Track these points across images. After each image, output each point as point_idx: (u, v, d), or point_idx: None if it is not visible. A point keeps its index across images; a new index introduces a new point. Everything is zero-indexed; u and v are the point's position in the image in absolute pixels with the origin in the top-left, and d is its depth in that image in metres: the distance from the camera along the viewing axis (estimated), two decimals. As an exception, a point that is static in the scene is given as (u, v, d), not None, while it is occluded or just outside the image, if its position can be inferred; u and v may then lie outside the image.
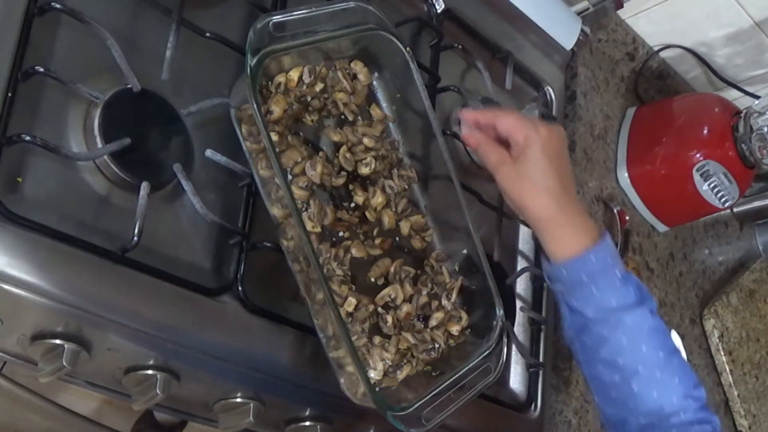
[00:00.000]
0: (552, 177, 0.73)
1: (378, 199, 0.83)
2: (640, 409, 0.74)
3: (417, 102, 0.86)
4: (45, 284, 0.63)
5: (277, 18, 0.74)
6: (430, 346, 0.82)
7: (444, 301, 0.86)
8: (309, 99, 0.80)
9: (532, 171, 0.74)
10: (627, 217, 1.26)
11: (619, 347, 0.74)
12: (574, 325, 0.77)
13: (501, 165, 0.76)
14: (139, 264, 0.68)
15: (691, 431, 0.72)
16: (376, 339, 0.79)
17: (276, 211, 0.74)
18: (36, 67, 0.64)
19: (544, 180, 0.73)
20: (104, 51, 0.68)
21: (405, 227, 0.86)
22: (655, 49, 1.35)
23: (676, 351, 0.76)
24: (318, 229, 0.75)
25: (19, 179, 0.64)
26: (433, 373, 0.82)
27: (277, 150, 0.74)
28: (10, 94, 0.62)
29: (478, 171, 1.03)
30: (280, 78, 0.77)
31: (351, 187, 0.83)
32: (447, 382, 0.78)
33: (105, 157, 0.67)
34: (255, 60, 0.71)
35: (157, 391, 0.71)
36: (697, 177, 1.23)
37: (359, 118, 0.85)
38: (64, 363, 0.66)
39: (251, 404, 0.77)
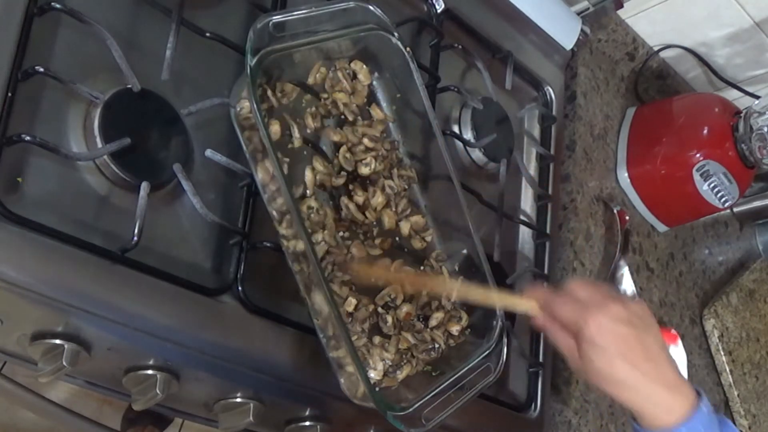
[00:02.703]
0: (618, 363, 0.70)
1: (378, 199, 0.83)
2: None
3: (417, 102, 0.86)
4: (45, 284, 0.63)
5: (277, 18, 0.74)
6: (430, 346, 0.82)
7: (444, 301, 0.86)
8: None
9: (595, 365, 0.71)
10: (627, 217, 1.26)
11: None
12: None
13: (570, 356, 0.75)
14: (139, 264, 0.68)
15: None
16: (376, 339, 0.79)
17: (275, 210, 0.74)
18: (36, 67, 0.64)
19: (611, 371, 0.71)
20: (104, 51, 0.68)
21: (405, 227, 0.86)
22: (655, 49, 1.35)
23: None
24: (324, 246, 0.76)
25: (19, 179, 0.64)
26: (433, 373, 0.82)
27: (277, 151, 0.74)
28: (10, 94, 0.62)
29: (478, 171, 1.03)
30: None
31: (351, 187, 0.83)
32: (447, 382, 0.78)
33: (105, 157, 0.67)
34: (255, 60, 0.71)
35: (157, 391, 0.71)
36: (697, 177, 1.23)
37: (359, 118, 0.85)
38: (64, 363, 0.66)
39: (251, 404, 0.77)
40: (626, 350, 0.70)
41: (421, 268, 0.87)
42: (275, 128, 0.76)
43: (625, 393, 0.72)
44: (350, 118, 0.84)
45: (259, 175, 0.75)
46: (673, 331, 0.78)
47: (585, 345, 0.71)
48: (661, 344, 0.73)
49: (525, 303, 0.78)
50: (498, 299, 0.81)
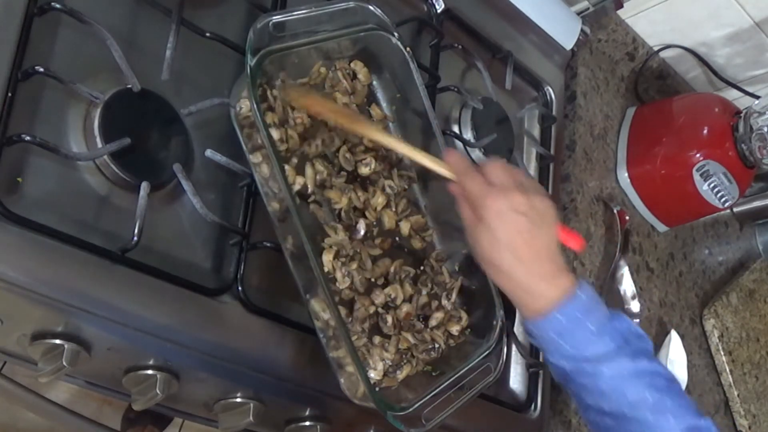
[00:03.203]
0: (502, 250, 0.73)
1: (378, 199, 0.83)
2: None
3: (417, 102, 0.86)
4: (45, 284, 0.63)
5: (276, 18, 0.74)
6: (430, 346, 0.82)
7: (444, 301, 0.86)
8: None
9: (483, 244, 0.74)
10: (627, 217, 1.26)
11: (601, 395, 0.75)
12: (557, 375, 0.78)
13: (467, 228, 0.76)
14: (139, 264, 0.68)
15: None
16: (376, 339, 0.79)
17: (275, 208, 0.74)
18: (36, 67, 0.64)
19: (495, 255, 0.73)
20: (104, 51, 0.68)
21: (405, 227, 0.86)
22: (655, 49, 1.35)
23: (671, 388, 0.76)
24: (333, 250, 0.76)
25: (19, 179, 0.64)
26: (433, 373, 0.82)
27: (277, 150, 0.74)
28: (10, 94, 0.62)
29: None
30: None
31: (351, 187, 0.82)
32: (447, 382, 0.78)
33: (105, 157, 0.67)
34: (255, 60, 0.71)
35: (157, 391, 0.71)
36: (697, 177, 1.23)
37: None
38: (64, 363, 0.66)
39: (251, 404, 0.77)
40: (514, 241, 0.72)
41: (421, 268, 0.87)
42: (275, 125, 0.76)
43: (504, 281, 0.75)
44: (350, 118, 0.84)
45: (259, 174, 0.75)
46: (577, 234, 0.79)
47: (480, 226, 0.73)
48: (552, 242, 0.75)
49: (443, 169, 0.78)
50: (419, 157, 0.79)
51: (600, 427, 0.77)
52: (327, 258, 0.76)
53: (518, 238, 0.72)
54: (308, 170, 0.78)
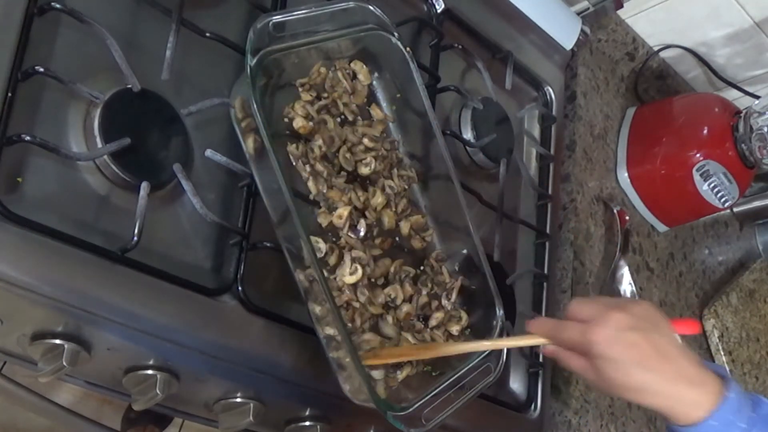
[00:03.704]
0: (632, 370, 0.70)
1: (378, 199, 0.83)
2: None
3: (417, 102, 0.86)
4: (45, 284, 0.63)
5: (276, 18, 0.74)
6: (430, 347, 0.82)
7: (444, 301, 0.86)
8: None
9: (611, 378, 0.71)
10: (627, 217, 1.26)
11: None
12: None
13: (586, 375, 0.74)
14: (139, 264, 0.68)
15: None
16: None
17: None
18: (36, 67, 0.64)
19: (628, 380, 0.71)
20: (104, 51, 0.68)
21: (405, 227, 0.86)
22: (655, 49, 1.35)
23: None
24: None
25: (19, 179, 0.64)
26: (433, 373, 0.82)
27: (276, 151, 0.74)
28: (10, 94, 0.62)
29: (478, 171, 1.03)
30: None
31: (351, 187, 0.82)
32: (447, 382, 0.78)
33: (105, 157, 0.67)
34: (255, 60, 0.71)
35: (157, 391, 0.71)
36: (697, 177, 1.23)
37: (359, 118, 0.85)
38: (64, 363, 0.66)
39: (251, 404, 0.77)
40: (639, 356, 0.70)
41: (421, 267, 0.87)
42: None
43: (648, 398, 0.71)
44: (350, 118, 0.84)
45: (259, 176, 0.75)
46: (691, 318, 0.78)
47: (598, 362, 0.71)
48: (673, 340, 0.72)
49: (532, 339, 0.77)
50: (507, 344, 0.82)
51: None
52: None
53: (639, 351, 0.70)
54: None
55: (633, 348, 0.70)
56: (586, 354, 0.72)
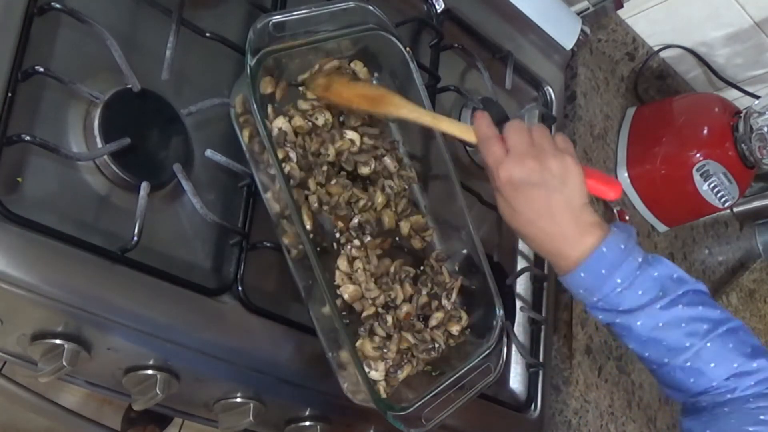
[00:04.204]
0: (519, 218, 0.76)
1: (378, 199, 0.83)
2: (692, 393, 0.76)
3: (417, 102, 0.86)
4: (45, 284, 0.63)
5: (276, 18, 0.74)
6: (430, 346, 0.82)
7: (444, 301, 0.86)
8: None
9: (503, 213, 0.78)
10: (627, 217, 1.26)
11: (640, 344, 0.77)
12: (602, 323, 0.80)
13: (494, 193, 0.79)
14: (139, 264, 0.68)
15: (747, 408, 0.72)
16: (376, 339, 0.79)
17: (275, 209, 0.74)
18: (36, 67, 0.64)
19: (514, 223, 0.77)
20: (104, 51, 0.68)
21: (405, 227, 0.86)
22: (655, 49, 1.35)
23: (714, 331, 0.74)
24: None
25: (19, 179, 0.64)
26: (433, 373, 0.82)
27: (276, 151, 0.74)
28: (10, 94, 0.62)
29: (478, 171, 1.03)
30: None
31: (350, 185, 0.82)
32: (447, 382, 0.78)
33: (105, 157, 0.67)
34: (255, 60, 0.71)
35: (157, 391, 0.71)
36: (697, 177, 1.23)
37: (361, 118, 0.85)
38: (64, 363, 0.66)
39: (251, 404, 0.77)
40: (529, 211, 0.75)
41: (421, 267, 0.87)
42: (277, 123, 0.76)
43: (531, 245, 0.81)
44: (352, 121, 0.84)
45: (259, 176, 0.75)
46: (614, 180, 0.80)
47: (496, 194, 0.77)
48: (571, 200, 0.75)
49: (468, 134, 0.79)
50: (446, 126, 0.80)
51: (652, 371, 0.79)
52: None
53: (531, 206, 0.75)
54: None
55: (527, 202, 0.75)
56: (492, 180, 0.77)
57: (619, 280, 0.74)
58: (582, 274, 0.75)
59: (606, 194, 0.77)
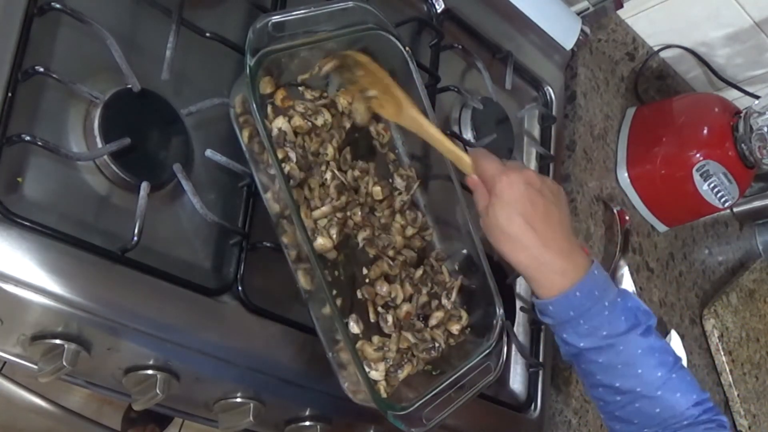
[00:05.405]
0: (517, 221, 0.75)
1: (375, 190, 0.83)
2: (647, 424, 0.78)
3: (417, 102, 0.86)
4: (45, 284, 0.63)
5: (276, 18, 0.74)
6: (430, 345, 0.82)
7: (444, 301, 0.86)
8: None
9: (497, 218, 0.76)
10: (627, 217, 1.26)
11: (614, 372, 0.77)
12: (569, 353, 0.80)
13: (479, 208, 0.78)
14: (139, 264, 0.68)
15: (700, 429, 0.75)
16: (376, 338, 0.79)
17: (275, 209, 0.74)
18: (36, 67, 0.64)
19: (509, 226, 0.75)
20: (104, 51, 0.68)
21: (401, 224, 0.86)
22: (655, 49, 1.35)
23: (676, 364, 0.78)
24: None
25: (19, 179, 0.64)
26: (434, 373, 0.82)
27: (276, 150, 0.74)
28: (10, 94, 0.62)
29: (478, 171, 1.03)
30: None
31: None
32: (447, 381, 0.78)
33: (105, 157, 0.67)
34: (254, 60, 0.71)
35: (157, 391, 0.71)
36: (697, 177, 1.23)
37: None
38: (64, 363, 0.66)
39: (251, 404, 0.77)
40: (529, 211, 0.74)
41: (421, 267, 0.87)
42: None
43: (520, 252, 0.75)
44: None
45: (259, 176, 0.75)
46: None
47: (493, 198, 0.75)
48: (565, 218, 0.77)
49: (463, 157, 0.80)
50: (444, 145, 0.81)
51: (608, 404, 0.79)
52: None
53: (531, 205, 0.74)
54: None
55: (528, 203, 0.74)
56: (490, 191, 0.76)
57: (606, 303, 0.75)
58: (577, 293, 0.75)
59: None
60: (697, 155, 1.22)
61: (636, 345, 0.76)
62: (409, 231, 0.86)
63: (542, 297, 0.77)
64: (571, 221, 0.78)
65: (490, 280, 0.85)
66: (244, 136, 0.75)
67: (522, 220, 0.74)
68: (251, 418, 0.76)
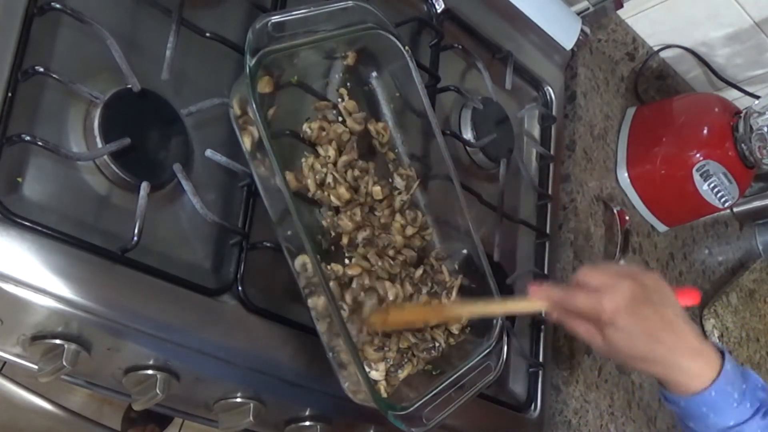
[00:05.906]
0: (641, 340, 0.73)
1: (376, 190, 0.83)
2: None
3: (417, 102, 0.86)
4: (45, 284, 0.63)
5: (275, 18, 0.74)
6: (431, 345, 0.82)
7: (444, 300, 0.86)
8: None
9: (619, 346, 0.74)
10: (627, 217, 1.26)
11: None
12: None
13: (592, 341, 0.76)
14: (139, 264, 0.68)
15: None
16: (376, 338, 0.79)
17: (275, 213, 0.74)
18: (36, 67, 0.64)
19: (635, 349, 0.74)
20: (104, 51, 0.68)
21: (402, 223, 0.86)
22: (655, 49, 1.35)
23: None
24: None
25: (19, 179, 0.64)
26: (434, 372, 0.82)
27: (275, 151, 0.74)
28: (10, 94, 0.62)
29: (478, 171, 1.03)
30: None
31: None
32: (447, 381, 0.78)
33: (105, 157, 0.67)
34: (254, 60, 0.71)
35: (157, 391, 0.71)
36: (697, 177, 1.23)
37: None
38: (64, 363, 0.66)
39: (251, 404, 0.77)
40: (648, 328, 0.72)
41: (421, 267, 0.87)
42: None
43: (652, 367, 0.75)
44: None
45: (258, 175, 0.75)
46: (692, 288, 0.81)
47: (607, 330, 0.73)
48: (680, 312, 0.75)
49: (535, 304, 0.79)
50: (511, 307, 0.83)
51: None
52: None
53: (648, 322, 0.72)
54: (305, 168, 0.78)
55: (643, 320, 0.72)
56: (596, 321, 0.74)
57: (736, 396, 0.75)
58: (713, 393, 0.74)
59: (688, 302, 0.78)
60: (697, 155, 1.22)
61: (757, 427, 0.75)
62: (409, 230, 0.86)
63: (676, 394, 0.76)
64: (682, 308, 0.75)
65: (490, 280, 0.86)
66: (243, 137, 0.75)
67: (644, 339, 0.73)
68: (251, 418, 0.76)
